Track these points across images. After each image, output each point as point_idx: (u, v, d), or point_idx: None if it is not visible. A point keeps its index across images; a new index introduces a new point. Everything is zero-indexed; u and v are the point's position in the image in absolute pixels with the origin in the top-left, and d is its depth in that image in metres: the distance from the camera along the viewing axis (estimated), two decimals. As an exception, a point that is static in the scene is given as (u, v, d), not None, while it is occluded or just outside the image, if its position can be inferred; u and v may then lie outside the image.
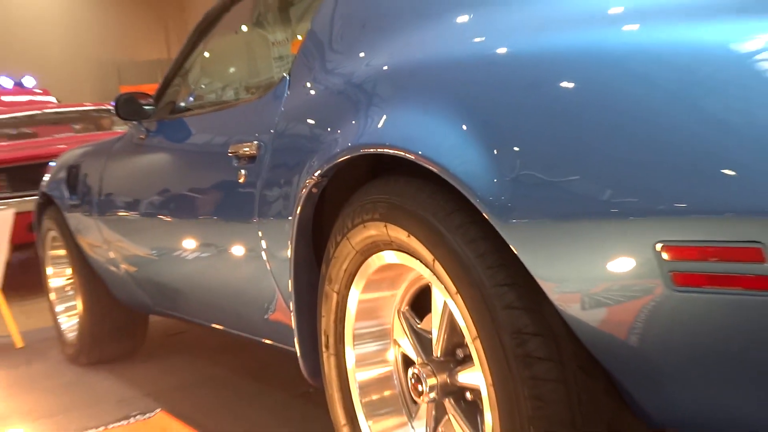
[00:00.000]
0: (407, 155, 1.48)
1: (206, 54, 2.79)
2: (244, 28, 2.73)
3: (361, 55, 1.83)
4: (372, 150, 1.58)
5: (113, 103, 2.84)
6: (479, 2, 1.65)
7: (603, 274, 1.22)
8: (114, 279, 3.25)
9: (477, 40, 1.53)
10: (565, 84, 1.29)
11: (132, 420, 2.80)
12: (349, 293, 1.74)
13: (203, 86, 2.83)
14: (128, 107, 2.80)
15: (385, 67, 1.69)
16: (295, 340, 1.95)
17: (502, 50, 1.44)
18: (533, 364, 1.33)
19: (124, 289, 3.23)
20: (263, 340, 2.32)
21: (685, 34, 1.18)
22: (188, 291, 2.66)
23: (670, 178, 1.12)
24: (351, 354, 1.78)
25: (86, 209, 3.23)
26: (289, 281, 1.91)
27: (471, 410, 1.57)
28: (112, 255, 3.12)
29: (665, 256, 1.13)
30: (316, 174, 1.73)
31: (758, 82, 1.05)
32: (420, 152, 1.45)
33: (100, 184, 3.13)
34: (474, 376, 1.49)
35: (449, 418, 1.62)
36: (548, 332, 1.33)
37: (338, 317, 1.78)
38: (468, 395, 1.57)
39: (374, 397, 1.78)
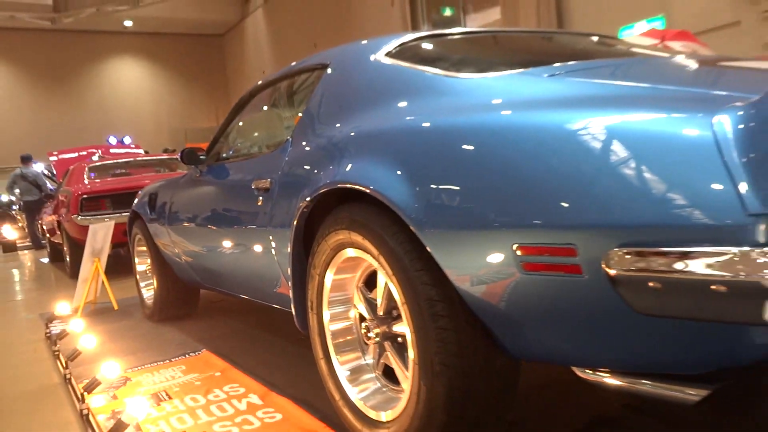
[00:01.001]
0: (363, 189, 1.48)
1: (240, 123, 2.80)
2: (265, 107, 2.74)
3: (337, 125, 1.84)
4: (342, 185, 1.58)
5: (180, 154, 2.84)
6: (412, 94, 1.66)
7: (482, 263, 1.24)
8: (177, 265, 3.22)
9: (408, 118, 1.54)
10: (460, 146, 1.30)
11: (186, 356, 2.77)
12: (326, 275, 1.74)
13: (238, 144, 2.83)
14: (189, 157, 2.80)
15: (352, 133, 1.69)
16: (292, 305, 1.95)
17: (425, 125, 1.45)
18: (438, 319, 1.34)
19: (183, 272, 3.20)
20: (273, 305, 2.32)
21: (534, 117, 1.21)
22: (225, 273, 2.65)
23: (520, 204, 1.15)
24: (327, 314, 1.78)
25: (161, 221, 3.19)
26: (288, 268, 1.92)
27: (401, 348, 1.57)
28: (176, 250, 3.09)
29: (519, 252, 1.16)
30: (307, 200, 1.74)
31: (578, 148, 1.09)
32: (372, 187, 1.46)
33: (170, 205, 3.10)
34: (402, 327, 1.49)
35: (387, 354, 1.62)
36: (448, 299, 1.34)
37: (319, 290, 1.77)
38: (399, 339, 1.58)
39: (340, 340, 1.77)
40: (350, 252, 1.63)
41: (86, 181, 6.16)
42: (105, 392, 2.36)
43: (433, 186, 1.32)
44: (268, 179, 2.08)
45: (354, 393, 1.70)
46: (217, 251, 2.58)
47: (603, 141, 1.05)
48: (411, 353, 1.43)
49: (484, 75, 1.57)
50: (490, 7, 12.89)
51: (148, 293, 3.72)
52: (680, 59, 1.84)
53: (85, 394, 2.24)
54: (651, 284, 0.96)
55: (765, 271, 0.84)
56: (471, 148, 1.28)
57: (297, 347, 2.71)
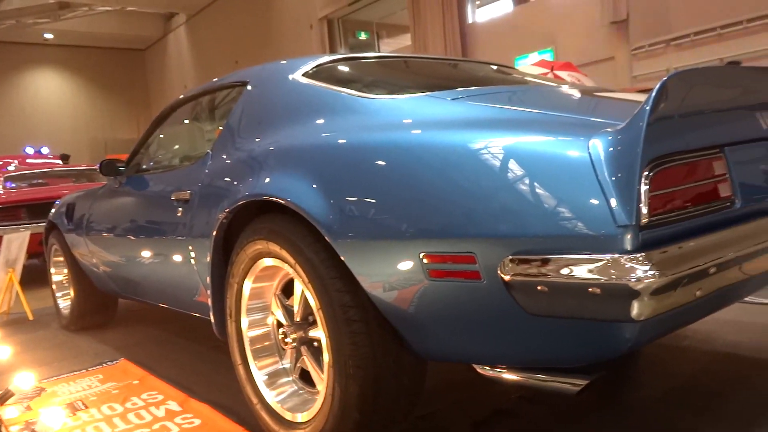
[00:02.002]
0: (281, 201, 1.47)
1: (161, 136, 2.69)
2: (186, 121, 2.65)
3: (257, 140, 1.80)
4: (260, 197, 1.55)
5: (99, 165, 2.70)
6: (327, 113, 1.65)
7: (392, 271, 1.25)
8: (95, 275, 3.04)
9: (324, 135, 1.54)
10: (371, 162, 1.31)
11: (104, 365, 2.60)
12: (244, 283, 1.70)
13: (158, 156, 2.71)
14: (108, 168, 2.66)
15: (271, 148, 1.67)
16: (211, 313, 1.88)
17: (339, 141, 1.46)
18: (352, 324, 1.34)
19: (101, 282, 3.02)
20: (192, 313, 2.24)
21: (438, 136, 1.24)
22: (144, 283, 2.53)
23: (425, 216, 1.17)
24: (245, 321, 1.73)
25: (79, 231, 3.01)
26: (207, 277, 1.86)
27: (316, 352, 1.56)
28: (94, 260, 2.92)
29: (425, 260, 1.18)
30: (226, 211, 1.69)
31: (475, 165, 1.12)
32: (289, 199, 1.44)
33: (88, 215, 2.92)
34: (318, 332, 1.48)
35: (304, 358, 1.60)
36: (361, 305, 1.34)
37: (237, 298, 1.73)
38: (315, 343, 1.56)
39: (258, 346, 1.73)
40: (268, 261, 1.60)
41: (1, 191, 5.74)
42: (18, 403, 2.18)
43: (346, 198, 1.32)
44: (188, 191, 2.01)
45: (271, 396, 1.67)
46: (136, 261, 2.46)
47: (497, 160, 1.09)
48: (326, 356, 1.42)
49: (393, 97, 1.60)
50: (401, 34, 13.14)
51: (65, 303, 3.48)
52: (565, 88, 1.95)
53: (-4, 406, 2.07)
54: (539, 288, 1.01)
55: (632, 275, 0.91)
56: (381, 163, 1.29)
57: (215, 353, 2.62)
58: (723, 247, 1.03)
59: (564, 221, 0.98)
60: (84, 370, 2.56)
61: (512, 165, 1.07)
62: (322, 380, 1.49)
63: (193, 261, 1.99)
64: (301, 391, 1.66)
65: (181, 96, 2.56)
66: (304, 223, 1.44)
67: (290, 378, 1.69)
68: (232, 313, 1.76)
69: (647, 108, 0.94)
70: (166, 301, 2.43)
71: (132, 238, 2.45)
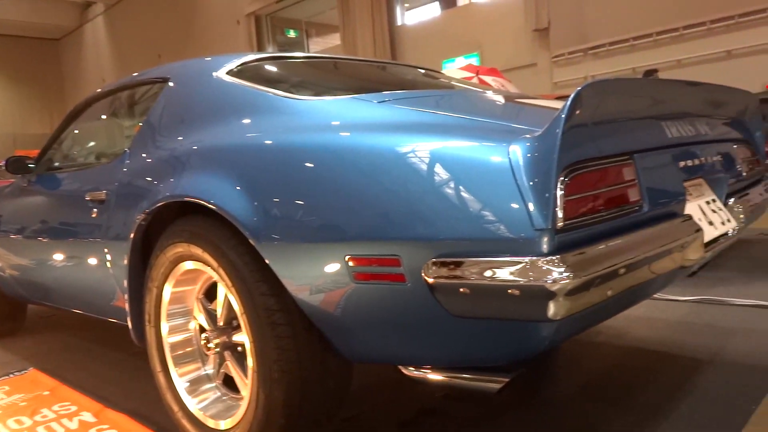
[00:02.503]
0: (204, 203, 1.42)
1: (76, 131, 2.55)
2: (103, 116, 2.51)
3: (179, 139, 1.74)
4: (182, 198, 1.50)
5: (5, 162, 2.52)
6: (252, 113, 1.62)
7: (318, 274, 1.24)
8: (1, 280, 2.84)
9: (248, 135, 1.51)
10: (296, 164, 1.29)
11: (11, 376, 2.44)
12: (164, 287, 1.64)
13: (72, 153, 2.56)
14: (15, 165, 2.48)
15: (194, 147, 1.61)
16: (128, 318, 1.80)
17: (264, 142, 1.42)
18: (276, 328, 1.32)
19: (8, 287, 2.82)
20: (108, 319, 2.14)
21: (363, 140, 1.24)
22: (56, 287, 2.38)
23: (351, 219, 1.17)
24: (165, 326, 1.67)
25: (-17, 233, 2.81)
26: (125, 281, 1.78)
27: (240, 357, 1.53)
28: (0, 264, 2.74)
29: (351, 263, 1.18)
30: (145, 212, 1.63)
31: (399, 169, 1.13)
32: (212, 201, 1.40)
33: (-7, 216, 2.74)
34: (242, 337, 1.44)
35: (227, 363, 1.57)
36: (286, 308, 1.33)
37: (157, 303, 1.67)
38: (239, 348, 1.53)
39: (180, 352, 1.68)
40: (189, 264, 1.56)
41: None
42: None
43: (271, 201, 1.30)
44: (104, 191, 1.91)
45: (193, 404, 1.62)
46: (47, 264, 2.32)
47: (421, 164, 1.11)
48: (250, 362, 1.39)
49: (320, 98, 1.59)
50: (331, 33, 13.10)
51: (-32, 310, 3.23)
52: (489, 94, 2.00)
53: None
54: (462, 290, 1.03)
55: (548, 276, 0.94)
56: (306, 165, 1.28)
57: (133, 360, 2.51)
58: (632, 249, 1.09)
59: (485, 224, 1.01)
60: (-12, 382, 2.39)
61: (435, 169, 1.09)
62: (246, 385, 1.46)
63: (109, 264, 1.89)
64: (224, 398, 1.62)
65: (99, 90, 2.43)
66: (228, 226, 1.40)
67: (213, 384, 1.64)
68: (152, 318, 1.69)
69: (563, 116, 0.98)
70: (80, 306, 2.30)
71: (42, 240, 2.31)
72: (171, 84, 1.95)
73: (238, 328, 1.51)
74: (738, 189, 1.69)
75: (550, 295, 0.94)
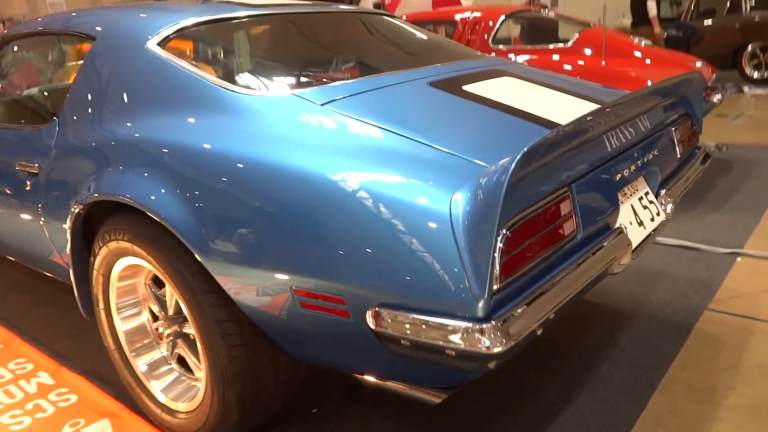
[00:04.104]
0: (142, 208, 1.38)
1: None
2: (22, 61, 2.26)
3: (112, 121, 1.59)
4: (121, 199, 1.44)
5: None
6: (193, 105, 1.47)
7: (266, 296, 1.26)
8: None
9: (191, 136, 1.40)
10: (242, 183, 1.26)
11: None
12: (111, 276, 1.63)
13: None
14: None
15: (132, 138, 1.50)
16: (76, 294, 1.77)
17: (209, 149, 1.34)
18: (227, 337, 1.35)
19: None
20: (47, 273, 2.10)
21: (307, 164, 1.21)
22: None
23: (298, 255, 1.18)
24: (116, 313, 1.68)
25: None
26: (66, 254, 1.71)
27: (192, 345, 1.56)
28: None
29: (297, 293, 1.21)
30: (80, 205, 1.57)
31: (343, 213, 1.12)
32: (155, 210, 1.35)
33: None
34: (193, 330, 1.45)
35: (181, 349, 1.62)
36: (236, 318, 1.35)
37: (104, 289, 1.66)
38: (191, 337, 1.55)
39: (134, 338, 1.70)
40: (133, 260, 1.54)
41: None
42: None
43: (217, 217, 1.28)
44: (36, 164, 1.81)
45: (152, 385, 1.67)
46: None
47: (361, 206, 1.11)
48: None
49: (262, 94, 1.47)
50: None
51: None
52: (460, 66, 1.78)
53: None
54: (402, 342, 1.08)
55: (482, 342, 0.99)
56: (249, 188, 1.24)
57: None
58: (565, 290, 1.15)
59: (424, 283, 1.04)
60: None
61: (378, 214, 1.09)
62: (200, 369, 1.52)
63: (44, 229, 1.84)
64: (183, 378, 1.67)
65: (7, 32, 2.18)
66: (171, 234, 1.37)
67: (170, 365, 1.69)
68: (100, 302, 1.69)
69: (504, 179, 0.98)
70: (25, 259, 2.24)
71: None
72: (98, 47, 1.76)
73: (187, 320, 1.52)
74: (671, 173, 1.74)
75: (486, 358, 1.00)
